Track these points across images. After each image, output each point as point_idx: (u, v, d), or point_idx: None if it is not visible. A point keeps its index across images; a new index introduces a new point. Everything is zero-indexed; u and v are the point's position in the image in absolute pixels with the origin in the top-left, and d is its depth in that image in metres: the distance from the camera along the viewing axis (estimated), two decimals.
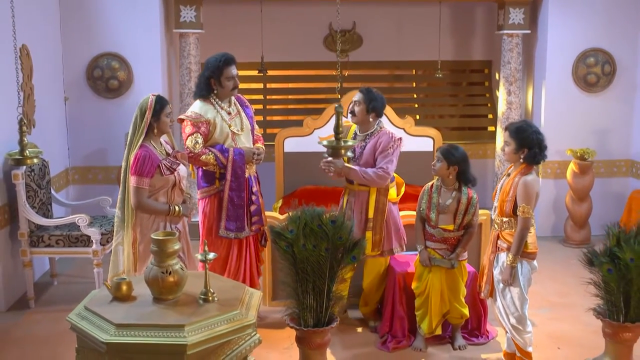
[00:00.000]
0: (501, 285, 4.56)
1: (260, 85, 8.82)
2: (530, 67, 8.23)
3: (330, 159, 4.95)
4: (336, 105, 4.17)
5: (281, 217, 5.32)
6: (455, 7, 8.58)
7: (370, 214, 5.17)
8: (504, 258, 4.53)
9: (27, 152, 4.35)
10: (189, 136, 4.95)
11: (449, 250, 4.93)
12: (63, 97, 7.31)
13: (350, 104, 5.28)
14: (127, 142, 4.48)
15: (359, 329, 5.46)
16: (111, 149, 7.39)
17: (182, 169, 4.59)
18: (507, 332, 4.68)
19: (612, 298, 4.40)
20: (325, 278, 4.24)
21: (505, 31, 7.72)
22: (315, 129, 6.89)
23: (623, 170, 8.00)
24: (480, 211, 5.23)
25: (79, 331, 3.17)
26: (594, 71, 7.74)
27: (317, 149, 5.07)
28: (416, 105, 9.24)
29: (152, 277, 3.27)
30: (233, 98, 5.18)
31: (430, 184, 5.04)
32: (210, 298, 3.30)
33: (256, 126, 5.40)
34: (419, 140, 6.97)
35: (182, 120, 5.06)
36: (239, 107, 5.23)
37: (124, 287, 3.35)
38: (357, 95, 5.21)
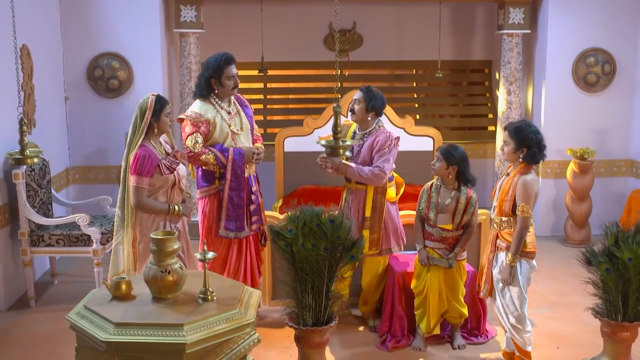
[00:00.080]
0: (500, 284, 4.56)
1: (261, 85, 8.83)
2: (530, 66, 8.24)
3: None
4: (335, 105, 4.19)
5: (281, 216, 5.32)
6: (455, 6, 8.58)
7: (368, 213, 5.19)
8: (503, 257, 4.54)
9: (27, 151, 4.38)
10: (188, 136, 4.96)
11: (448, 249, 4.94)
12: (63, 97, 7.33)
13: (350, 102, 5.30)
14: (127, 142, 4.49)
15: (359, 329, 5.47)
16: (111, 149, 7.40)
17: (181, 169, 4.60)
18: (506, 331, 4.69)
19: (610, 297, 4.40)
20: (324, 277, 4.24)
21: (505, 31, 7.73)
22: (315, 128, 6.90)
23: (623, 170, 8.00)
24: (480, 211, 5.24)
25: (79, 330, 3.18)
26: (594, 71, 7.74)
27: (317, 149, 5.09)
28: (416, 105, 9.24)
29: (152, 276, 3.28)
30: (232, 98, 5.19)
31: (430, 183, 5.05)
32: (210, 297, 3.30)
33: (255, 126, 5.41)
34: (419, 139, 6.98)
35: (182, 120, 5.07)
36: (239, 107, 5.24)
37: (124, 286, 3.36)
38: (357, 94, 5.24)
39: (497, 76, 8.50)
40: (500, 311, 4.62)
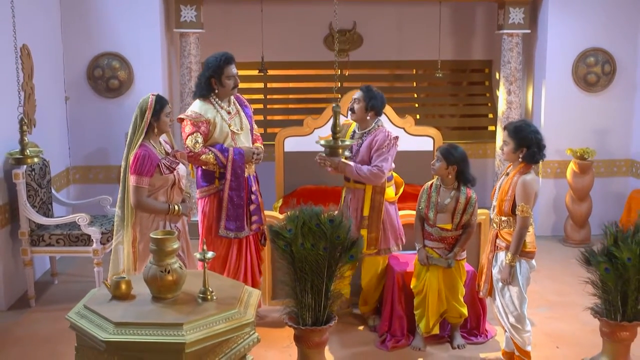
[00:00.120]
0: (500, 284, 4.57)
1: (261, 85, 8.83)
2: (530, 66, 8.24)
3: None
4: (334, 105, 4.20)
5: (281, 216, 5.33)
6: (455, 6, 8.58)
7: (366, 212, 5.21)
8: (502, 257, 4.54)
9: (27, 151, 4.38)
10: (188, 135, 4.97)
11: (447, 249, 4.94)
12: (64, 97, 7.33)
13: (350, 102, 5.31)
14: (127, 142, 4.50)
15: (358, 328, 5.47)
16: (112, 149, 7.40)
17: (181, 168, 4.61)
18: (505, 331, 4.69)
19: (609, 297, 4.41)
20: (324, 277, 4.25)
21: (505, 31, 7.73)
22: (315, 128, 6.91)
23: (623, 170, 8.01)
24: (480, 210, 5.25)
25: (79, 330, 3.19)
26: (594, 71, 7.75)
27: (318, 149, 5.09)
28: (416, 105, 9.24)
29: (151, 276, 3.29)
30: (232, 97, 5.20)
31: (429, 183, 5.06)
32: (209, 297, 3.31)
33: (255, 126, 5.41)
34: (419, 139, 6.99)
35: (182, 120, 5.07)
36: (238, 107, 5.24)
37: (123, 286, 3.36)
38: (357, 93, 5.26)
39: (497, 76, 8.51)
40: (500, 311, 4.63)
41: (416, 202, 5.11)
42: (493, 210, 4.65)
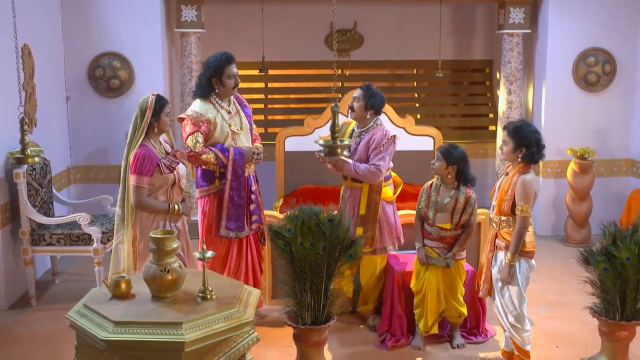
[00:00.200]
0: (499, 284, 4.57)
1: (262, 85, 8.85)
2: (531, 66, 8.25)
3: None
4: (332, 104, 4.20)
5: (281, 216, 5.34)
6: (455, 6, 8.59)
7: (362, 211, 5.22)
8: (502, 257, 4.55)
9: (28, 151, 4.40)
10: (189, 135, 4.98)
11: (446, 248, 4.95)
12: (65, 97, 7.34)
13: (350, 100, 5.33)
14: (127, 141, 4.51)
15: (358, 327, 5.48)
16: (112, 148, 7.41)
17: (181, 168, 4.62)
18: (505, 330, 4.69)
19: (608, 297, 4.41)
20: (323, 276, 4.25)
21: (506, 30, 7.74)
22: (316, 128, 6.92)
23: (623, 170, 8.01)
24: (480, 210, 5.26)
25: (78, 329, 3.20)
26: (594, 70, 7.75)
27: (318, 148, 5.10)
28: (417, 105, 9.25)
29: (151, 275, 3.30)
30: (232, 97, 5.21)
31: (430, 182, 5.06)
32: (209, 296, 3.32)
33: (254, 125, 5.42)
34: (420, 139, 7.00)
35: (182, 120, 5.08)
36: (238, 107, 5.25)
37: (123, 285, 3.37)
38: (356, 92, 5.29)
39: (497, 76, 8.51)
40: (500, 310, 4.63)
41: (416, 201, 5.12)
42: (492, 210, 4.66)
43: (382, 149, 5.13)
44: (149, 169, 4.39)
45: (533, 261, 4.57)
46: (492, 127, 8.85)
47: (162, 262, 3.29)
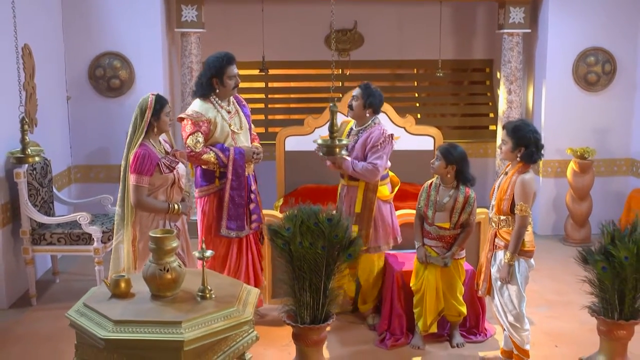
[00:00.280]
0: (499, 283, 4.58)
1: (262, 84, 8.85)
2: (531, 66, 8.25)
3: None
4: (331, 104, 4.21)
5: (282, 215, 5.35)
6: (456, 6, 8.60)
7: (358, 209, 5.24)
8: (501, 256, 4.55)
9: (28, 150, 4.40)
10: (189, 135, 4.98)
11: (446, 248, 4.95)
12: (65, 96, 7.35)
13: (349, 99, 5.35)
14: (127, 141, 4.52)
15: (358, 326, 5.49)
16: (113, 148, 7.42)
17: (181, 168, 4.63)
18: (504, 330, 4.70)
19: (606, 296, 4.42)
20: (322, 275, 4.25)
21: (506, 30, 7.75)
22: (316, 127, 6.92)
23: (623, 169, 8.01)
24: (479, 210, 5.26)
25: (78, 328, 3.21)
26: (594, 70, 7.75)
27: None
28: (417, 104, 9.26)
29: (150, 274, 3.31)
30: (231, 97, 5.22)
31: (430, 181, 5.07)
32: (208, 295, 3.33)
33: (252, 125, 5.43)
34: (420, 139, 7.00)
35: (182, 119, 5.09)
36: (237, 106, 5.26)
37: (123, 284, 3.38)
38: (355, 91, 5.31)
39: (497, 75, 8.52)
40: (499, 310, 4.64)
41: (416, 201, 5.13)
42: (492, 209, 4.67)
43: (379, 147, 5.14)
44: (148, 168, 4.40)
45: (532, 260, 4.58)
46: (492, 127, 8.86)
47: (162, 262, 3.30)
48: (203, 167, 5.09)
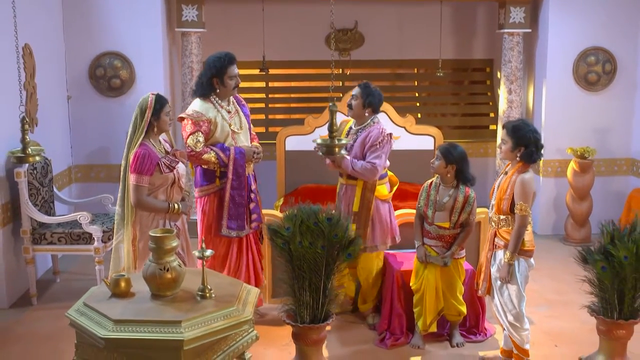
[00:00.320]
0: (499, 282, 4.58)
1: (262, 84, 8.86)
2: (531, 65, 8.25)
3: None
4: (330, 104, 4.21)
5: (282, 215, 5.36)
6: (456, 6, 8.60)
7: (355, 208, 5.25)
8: (501, 256, 4.56)
9: (29, 150, 4.42)
10: (190, 135, 4.98)
11: (445, 247, 4.96)
12: (66, 96, 7.36)
13: (348, 98, 5.35)
14: (127, 141, 4.53)
15: (358, 326, 5.49)
16: (113, 147, 7.42)
17: (181, 167, 4.64)
18: (504, 329, 4.70)
19: (606, 295, 4.42)
20: (322, 275, 4.26)
21: (506, 30, 7.75)
22: (316, 127, 6.92)
23: (623, 169, 8.01)
24: (479, 209, 5.26)
25: (78, 327, 3.21)
26: (595, 70, 7.75)
27: None
28: (417, 104, 9.26)
29: (150, 273, 3.32)
30: (231, 97, 5.22)
31: (430, 181, 5.07)
32: (208, 294, 3.33)
33: (251, 125, 5.44)
34: (420, 138, 7.00)
35: (182, 119, 5.09)
36: (237, 106, 5.27)
37: (123, 284, 3.39)
38: (355, 90, 5.32)
39: (498, 75, 8.52)
40: (499, 309, 4.64)
41: (416, 200, 5.13)
42: (492, 209, 4.67)
43: (378, 146, 5.14)
44: (148, 168, 4.41)
45: (532, 260, 4.58)
46: (492, 127, 8.86)
47: (162, 261, 3.31)
48: (203, 166, 5.09)
